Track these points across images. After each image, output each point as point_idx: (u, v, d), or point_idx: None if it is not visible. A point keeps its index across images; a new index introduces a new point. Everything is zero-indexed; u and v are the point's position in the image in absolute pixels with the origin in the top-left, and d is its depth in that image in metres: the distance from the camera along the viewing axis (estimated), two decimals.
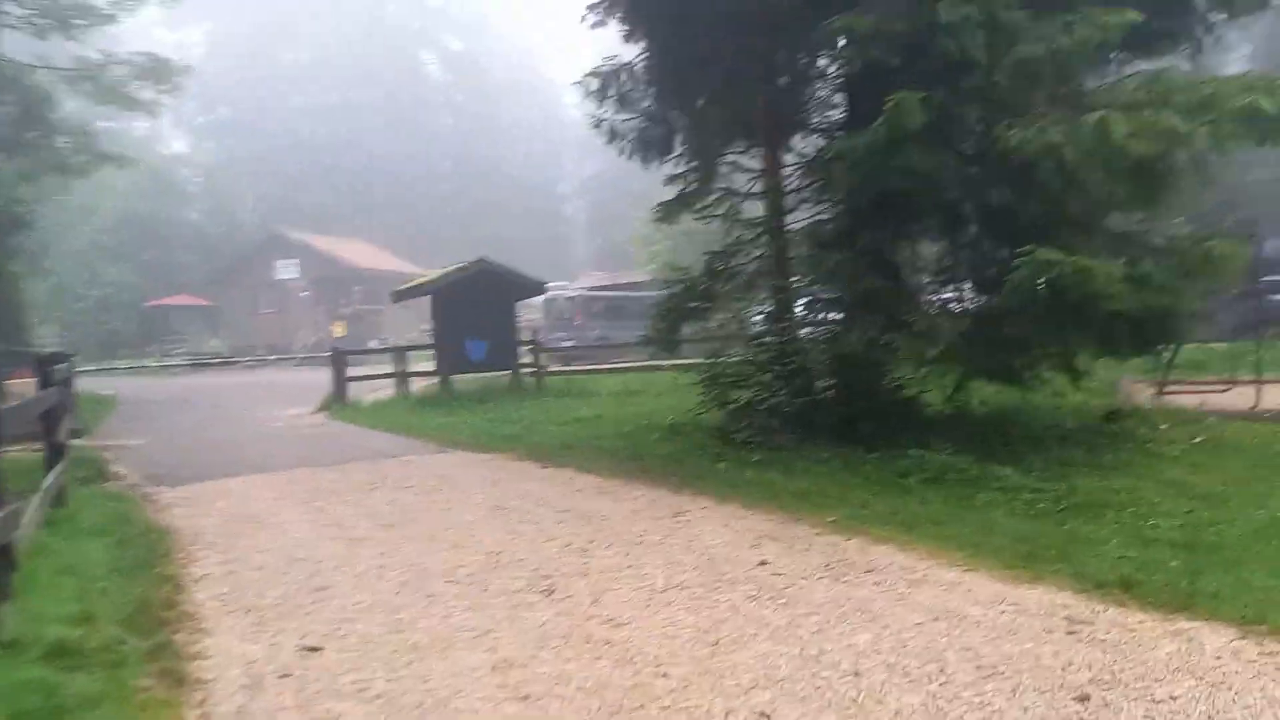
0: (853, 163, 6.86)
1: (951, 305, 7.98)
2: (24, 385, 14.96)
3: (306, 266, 40.75)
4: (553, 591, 4.66)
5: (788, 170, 9.77)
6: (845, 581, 4.50)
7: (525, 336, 17.97)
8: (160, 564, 5.52)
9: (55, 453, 6.62)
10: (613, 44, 11.31)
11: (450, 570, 5.14)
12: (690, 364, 13.00)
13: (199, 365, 20.65)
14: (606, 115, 11.02)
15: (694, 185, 10.34)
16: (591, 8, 10.60)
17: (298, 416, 15.86)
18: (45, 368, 6.76)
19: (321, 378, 18.53)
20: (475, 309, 16.01)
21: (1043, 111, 6.66)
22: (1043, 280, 5.97)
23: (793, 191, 9.52)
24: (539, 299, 23.66)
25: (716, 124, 10.48)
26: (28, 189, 19.25)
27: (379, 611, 4.50)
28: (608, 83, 11.02)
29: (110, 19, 18.51)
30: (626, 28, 10.64)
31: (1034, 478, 6.35)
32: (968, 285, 8.20)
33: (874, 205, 7.25)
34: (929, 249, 8.40)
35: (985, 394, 8.51)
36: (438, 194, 65.08)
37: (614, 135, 11.20)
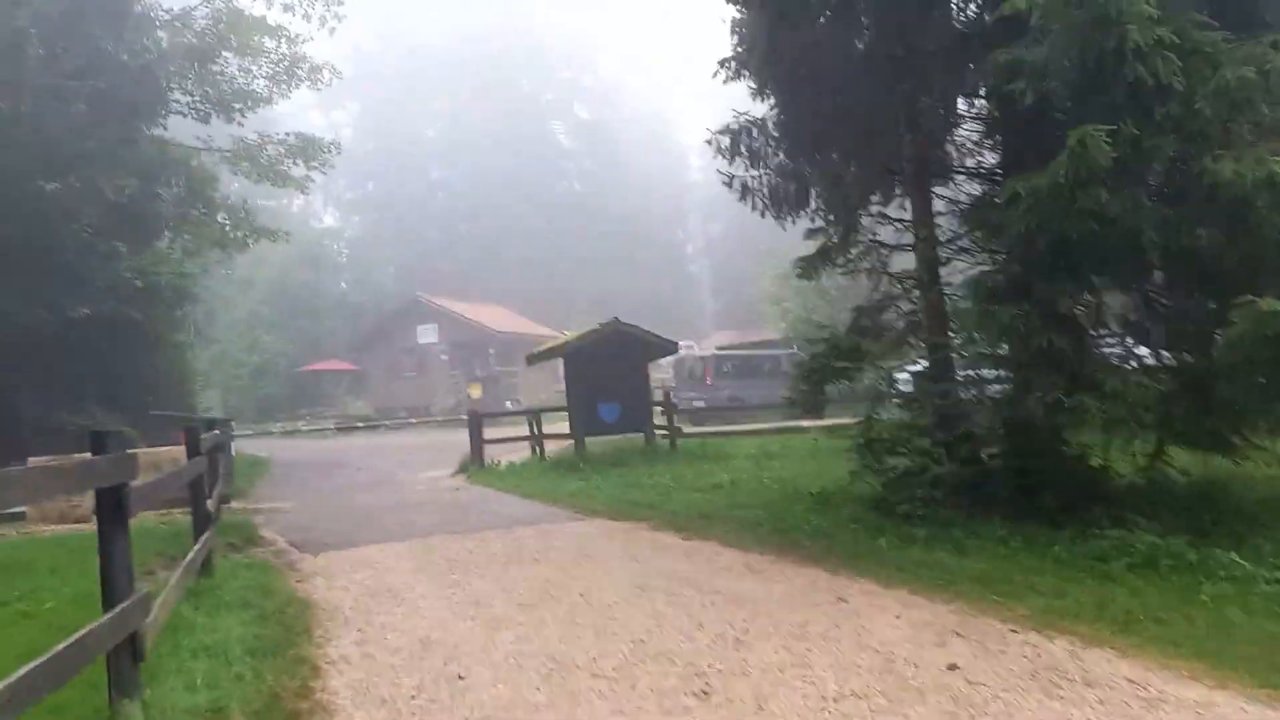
0: (1027, 207, 6.19)
1: (1146, 362, 7.08)
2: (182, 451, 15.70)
3: (444, 331, 42.14)
4: (709, 694, 4.14)
5: (939, 220, 9.12)
6: (1061, 698, 3.77)
7: (658, 397, 17.66)
8: (298, 643, 5.31)
9: (202, 521, 6.62)
10: (741, 100, 11.08)
11: (594, 661, 4.70)
12: (833, 425, 12.26)
13: (346, 428, 21.29)
14: (737, 172, 10.74)
15: (835, 239, 9.81)
16: (722, 63, 10.38)
17: (437, 479, 15.97)
18: (193, 436, 6.81)
19: (459, 439, 18.75)
20: (608, 370, 15.81)
21: (1251, 141, 5.85)
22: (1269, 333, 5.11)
23: (947, 242, 8.85)
24: (669, 359, 23.41)
25: (856, 175, 9.99)
26: (193, 263, 20.53)
27: (520, 709, 4.09)
28: (738, 140, 10.75)
29: (266, 101, 19.79)
30: (755, 85, 10.38)
31: (1269, 565, 5.39)
32: (1159, 340, 7.28)
33: (1050, 253, 6.52)
34: (1113, 300, 7.54)
35: (1184, 461, 7.49)
36: (568, 257, 66.54)
37: (745, 192, 10.88)
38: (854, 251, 9.43)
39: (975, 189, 9.13)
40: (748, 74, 10.46)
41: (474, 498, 12.59)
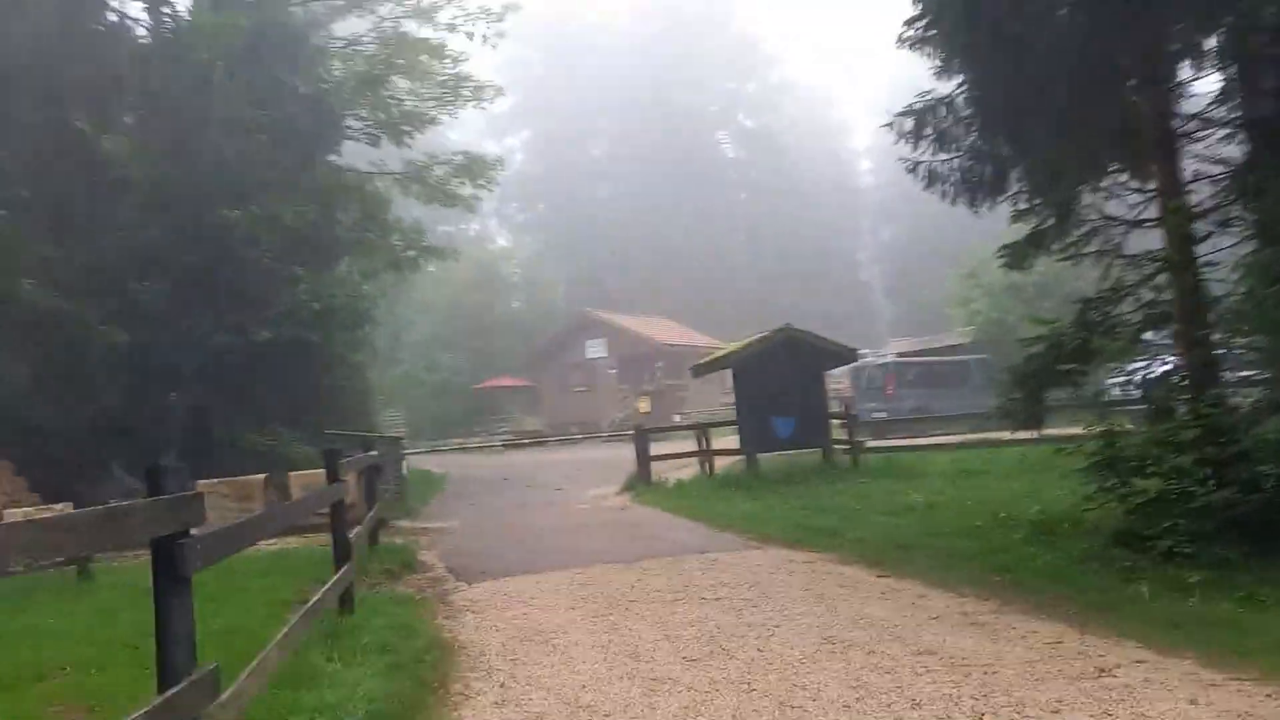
0: None
1: None
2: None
3: (613, 345, 42.09)
4: None
5: (1191, 189, 7.47)
6: None
7: (836, 409, 16.31)
8: (429, 703, 4.58)
9: (342, 553, 6.09)
10: (919, 83, 9.81)
11: None
12: (1044, 438, 10.62)
13: (513, 444, 21.23)
14: (922, 158, 9.50)
15: (1051, 221, 8.30)
16: (907, 24, 9.11)
17: (602, 497, 15.34)
18: (331, 460, 6.32)
19: (626, 454, 18.15)
20: (780, 381, 14.68)
21: None
22: None
23: (1203, 214, 7.20)
24: (843, 369, 21.89)
25: (1074, 146, 8.44)
26: (369, 286, 21.04)
27: None
28: (923, 121, 9.50)
29: (433, 122, 20.04)
30: (942, 58, 9.07)
31: None
32: None
33: None
34: None
35: None
36: (734, 268, 65.58)
37: (932, 179, 9.61)
38: (1076, 233, 7.89)
39: (1235, 151, 7.45)
40: (932, 48, 9.20)
41: (638, 519, 11.77)
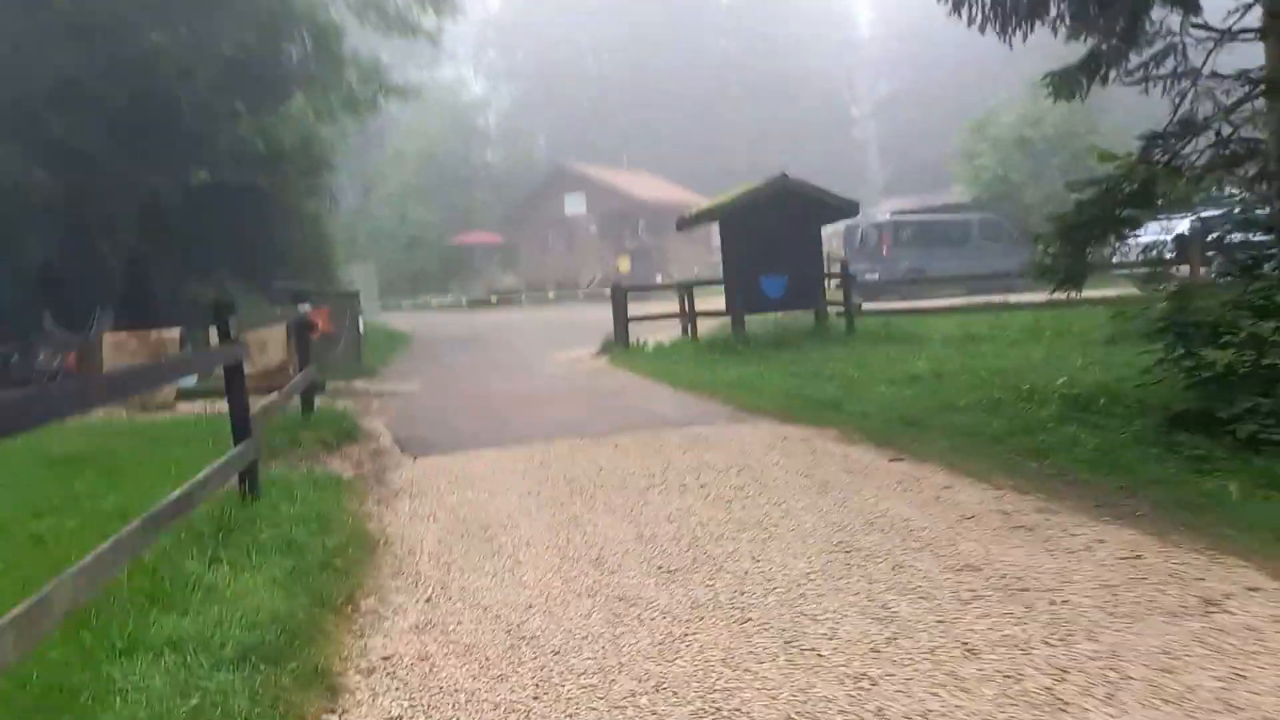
0: None
1: None
2: (319, 323, 14.64)
3: (593, 201, 40.16)
4: None
5: None
6: None
7: (832, 268, 15.10)
8: (330, 631, 3.53)
9: (241, 424, 4.93)
10: None
11: (790, 716, 2.63)
12: (1060, 302, 9.45)
13: (488, 304, 20.01)
14: None
15: (1113, 40, 6.85)
16: None
17: (577, 360, 14.28)
18: (222, 316, 5.08)
19: (605, 315, 17.05)
20: (773, 237, 13.35)
21: None
22: None
23: None
24: (834, 228, 20.49)
25: None
26: (326, 129, 19.16)
27: None
28: None
29: None
30: None
31: None
32: None
33: None
34: None
35: None
36: (724, 122, 62.62)
37: (959, 1, 8.11)
38: (1148, 53, 6.46)
39: None
40: None
41: (614, 385, 10.71)
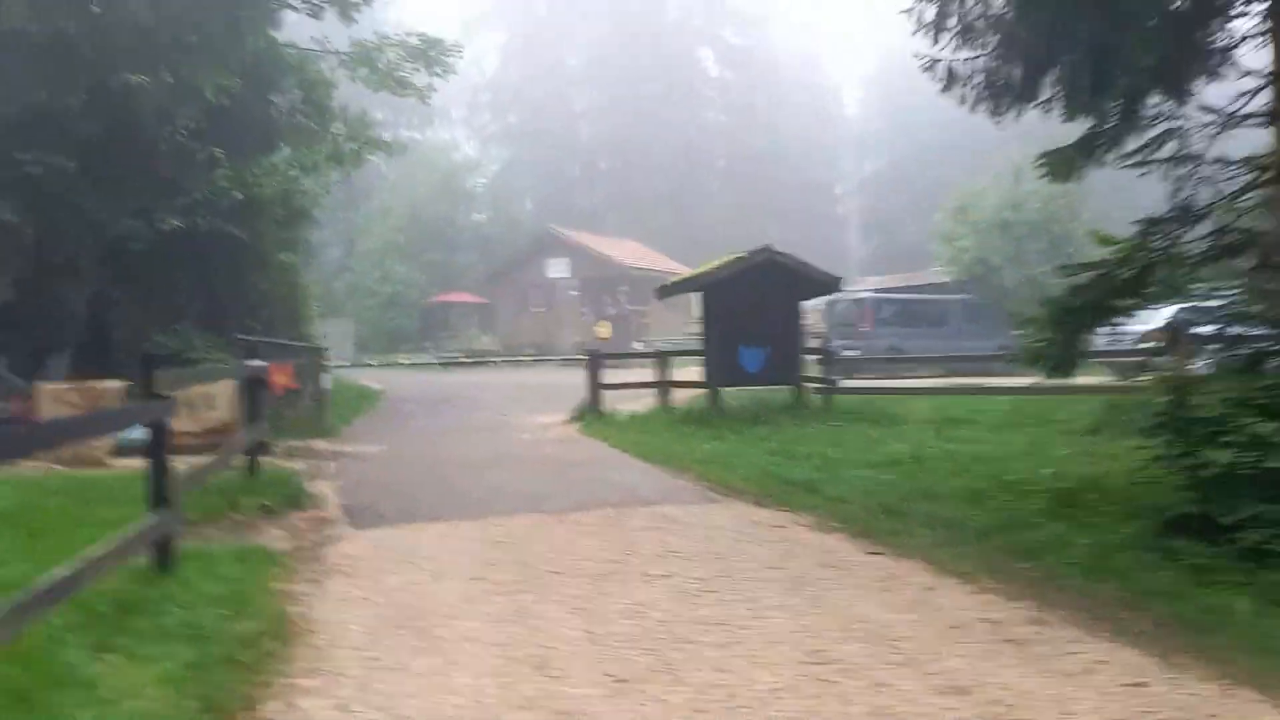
0: None
1: None
2: (280, 378, 14.16)
3: (576, 266, 40.10)
4: None
5: None
6: None
7: (811, 343, 14.85)
8: None
9: (159, 490, 4.47)
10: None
11: None
12: (1045, 388, 9.18)
13: (460, 363, 19.59)
14: (943, 55, 7.97)
15: (1111, 122, 6.70)
16: None
17: (548, 426, 13.84)
18: (149, 367, 4.67)
19: (581, 380, 16.72)
20: (753, 309, 13.11)
21: None
22: None
23: None
24: (814, 303, 20.37)
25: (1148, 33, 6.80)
26: (310, 181, 18.94)
27: None
28: (946, 10, 7.90)
29: None
30: None
31: None
32: None
33: None
34: None
35: None
36: (708, 192, 63.45)
37: (951, 80, 8.09)
38: (1149, 134, 6.29)
39: None
40: None
41: (582, 455, 10.27)
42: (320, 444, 12.37)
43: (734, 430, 11.57)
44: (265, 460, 7.92)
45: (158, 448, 4.47)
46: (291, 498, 7.44)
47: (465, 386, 22.42)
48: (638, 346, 32.11)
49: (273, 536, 6.24)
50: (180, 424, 7.54)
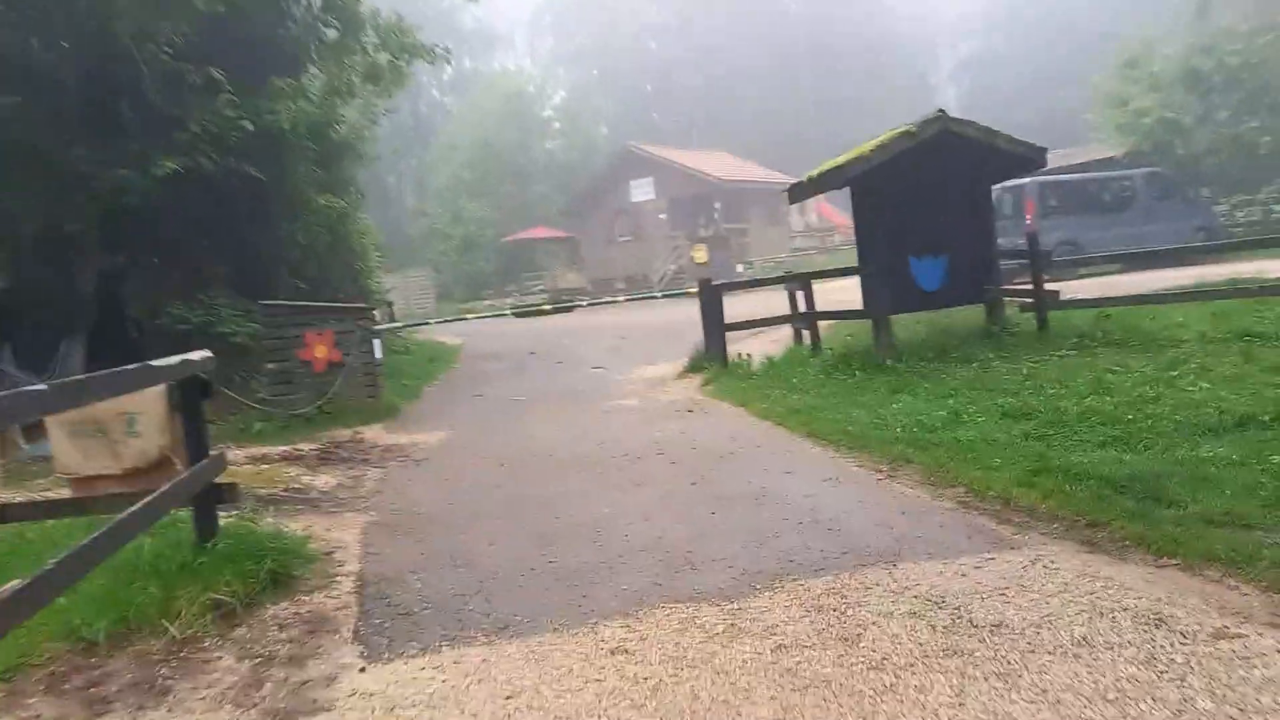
0: None
1: None
2: (320, 350, 11.36)
3: (662, 186, 36.41)
4: None
5: None
6: None
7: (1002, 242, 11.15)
8: None
9: None
10: None
11: None
12: None
13: (524, 313, 16.52)
14: None
15: None
16: None
17: (658, 382, 10.74)
18: None
19: (681, 316, 13.58)
20: (926, 203, 9.58)
21: None
22: None
23: None
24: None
25: None
26: (344, 106, 15.93)
27: None
28: None
29: None
30: None
31: None
32: None
33: None
34: None
35: None
36: (798, 98, 58.20)
37: None
38: None
39: None
40: None
41: (721, 438, 7.02)
42: (371, 432, 9.61)
43: (923, 376, 8.17)
44: (231, 511, 4.94)
45: None
46: (279, 574, 4.46)
47: (554, 333, 19.42)
48: (740, 270, 28.55)
49: (207, 681, 3.26)
50: (88, 461, 4.65)
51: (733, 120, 52.57)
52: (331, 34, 14.79)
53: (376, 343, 11.41)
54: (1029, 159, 9.87)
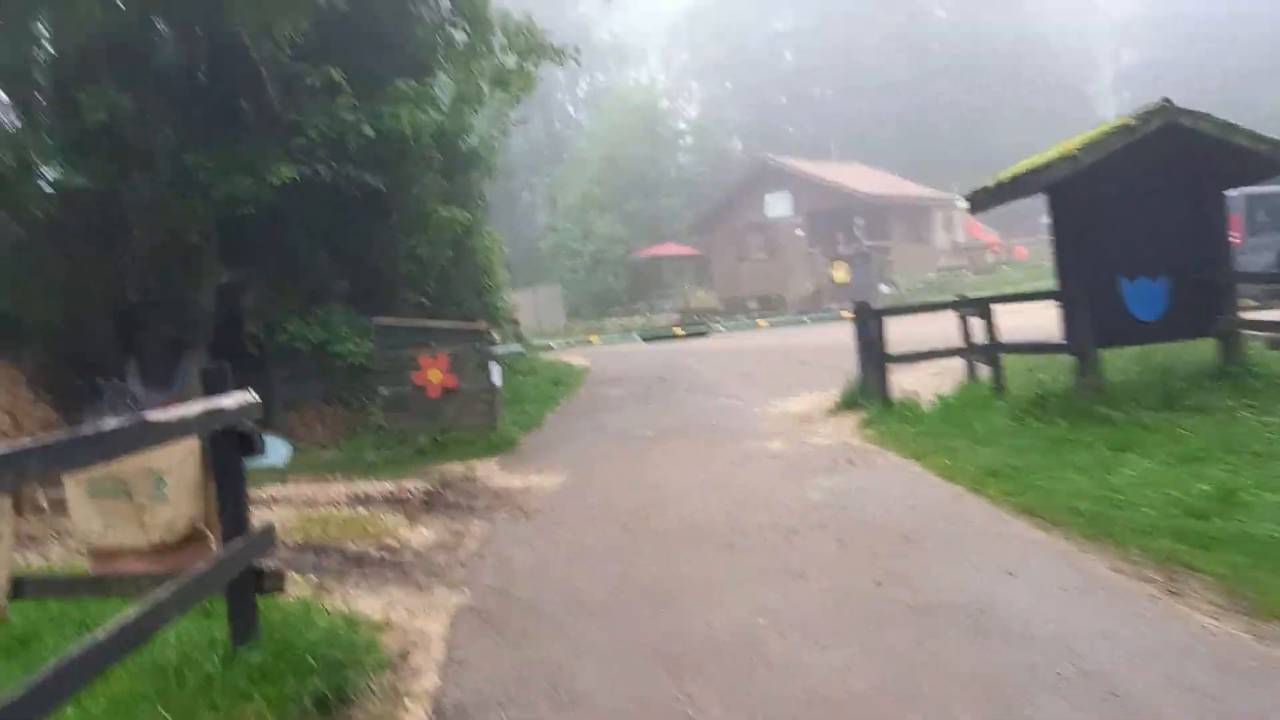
0: None
1: None
2: (434, 374, 10.50)
3: (799, 200, 34.66)
4: None
5: None
6: None
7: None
8: None
9: None
10: None
11: None
12: None
13: (653, 338, 15.31)
14: None
15: None
16: None
17: (805, 421, 9.30)
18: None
19: (822, 339, 12.12)
20: (1142, 214, 7.82)
21: None
22: None
23: None
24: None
25: None
26: (473, 115, 15.24)
27: None
28: None
29: None
30: None
31: None
32: None
33: None
34: None
35: None
36: (941, 109, 55.11)
37: None
38: None
39: None
40: None
41: (900, 511, 5.51)
42: (484, 468, 8.63)
43: (1149, 429, 6.45)
44: (276, 594, 3.87)
45: None
46: (334, 690, 3.35)
47: (683, 356, 18.21)
48: (884, 290, 26.58)
49: None
50: (109, 530, 3.69)
51: (869, 133, 50.31)
52: (460, 37, 14.12)
53: (495, 367, 10.44)
54: (1273, 160, 7.92)
